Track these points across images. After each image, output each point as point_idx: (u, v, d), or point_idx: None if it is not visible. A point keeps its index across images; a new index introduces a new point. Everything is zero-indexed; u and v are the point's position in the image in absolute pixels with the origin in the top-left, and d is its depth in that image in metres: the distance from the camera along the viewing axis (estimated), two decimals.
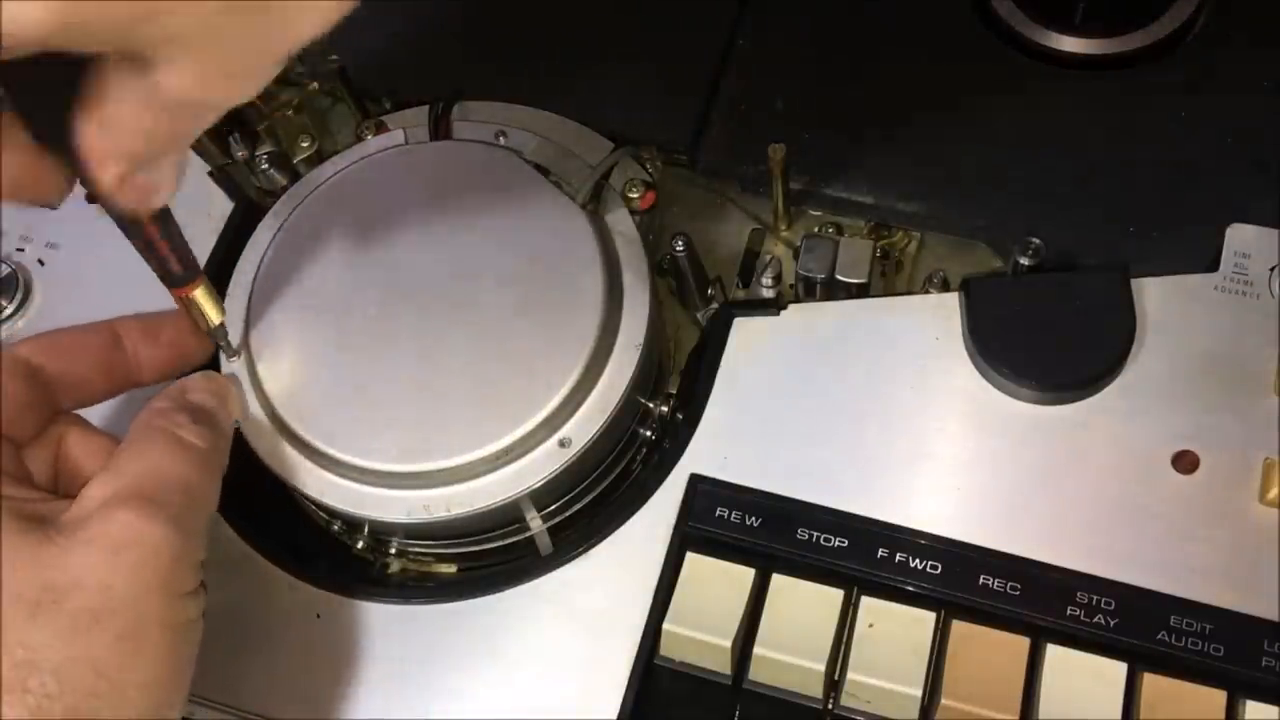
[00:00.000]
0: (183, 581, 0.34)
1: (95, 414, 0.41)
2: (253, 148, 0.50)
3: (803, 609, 0.39)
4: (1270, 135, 0.46)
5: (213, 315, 0.40)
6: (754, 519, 0.41)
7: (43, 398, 0.38)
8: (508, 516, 0.43)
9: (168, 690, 0.33)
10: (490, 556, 0.45)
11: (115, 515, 0.34)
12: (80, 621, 0.32)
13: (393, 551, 0.45)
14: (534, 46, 0.52)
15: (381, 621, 0.42)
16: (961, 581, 0.40)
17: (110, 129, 0.30)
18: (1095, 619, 0.39)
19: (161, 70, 0.29)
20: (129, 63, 0.29)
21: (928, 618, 0.39)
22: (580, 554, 0.42)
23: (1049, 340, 0.42)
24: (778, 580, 0.40)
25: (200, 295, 0.40)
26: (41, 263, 0.49)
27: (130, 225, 0.36)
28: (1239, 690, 0.38)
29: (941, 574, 0.40)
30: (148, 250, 0.37)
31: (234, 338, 0.44)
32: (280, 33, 0.30)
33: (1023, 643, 0.39)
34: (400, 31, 0.53)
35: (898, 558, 0.40)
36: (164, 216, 0.36)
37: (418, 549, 0.45)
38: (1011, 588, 0.39)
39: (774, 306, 0.45)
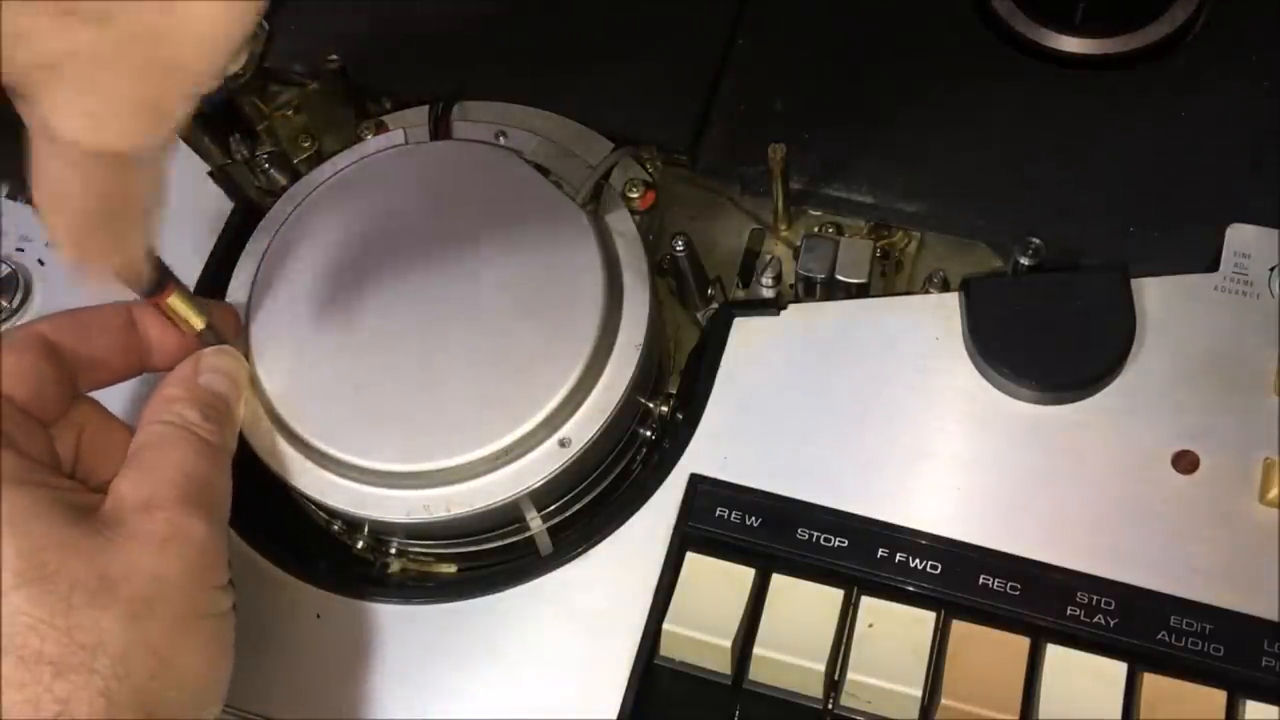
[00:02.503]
0: (218, 574, 0.36)
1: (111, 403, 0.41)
2: (253, 148, 0.50)
3: (803, 609, 0.39)
4: (1270, 135, 0.46)
5: (194, 321, 0.40)
6: (754, 519, 0.41)
7: (64, 376, 0.38)
8: (508, 516, 0.43)
9: (217, 674, 0.35)
10: (490, 556, 0.45)
11: (158, 513, 0.35)
12: (136, 609, 0.33)
13: (393, 551, 0.45)
14: (534, 46, 0.52)
15: (381, 621, 0.42)
16: (961, 581, 0.40)
17: (48, 188, 0.31)
18: (1095, 619, 0.39)
19: (46, 104, 0.29)
20: (26, 102, 0.29)
21: (928, 618, 0.39)
22: (580, 554, 0.42)
23: (1049, 340, 0.42)
24: (778, 580, 0.40)
25: (175, 302, 0.39)
26: (41, 263, 0.49)
27: None
28: (1239, 690, 0.38)
29: (941, 574, 0.40)
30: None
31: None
32: (166, 66, 0.29)
33: (1023, 643, 0.39)
34: (400, 31, 0.53)
35: (898, 558, 0.40)
36: None
37: (418, 549, 0.45)
38: (1011, 588, 0.39)
39: (774, 306, 0.45)
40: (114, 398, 0.41)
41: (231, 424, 0.40)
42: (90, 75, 0.29)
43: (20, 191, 0.50)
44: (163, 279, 0.39)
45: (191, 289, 0.46)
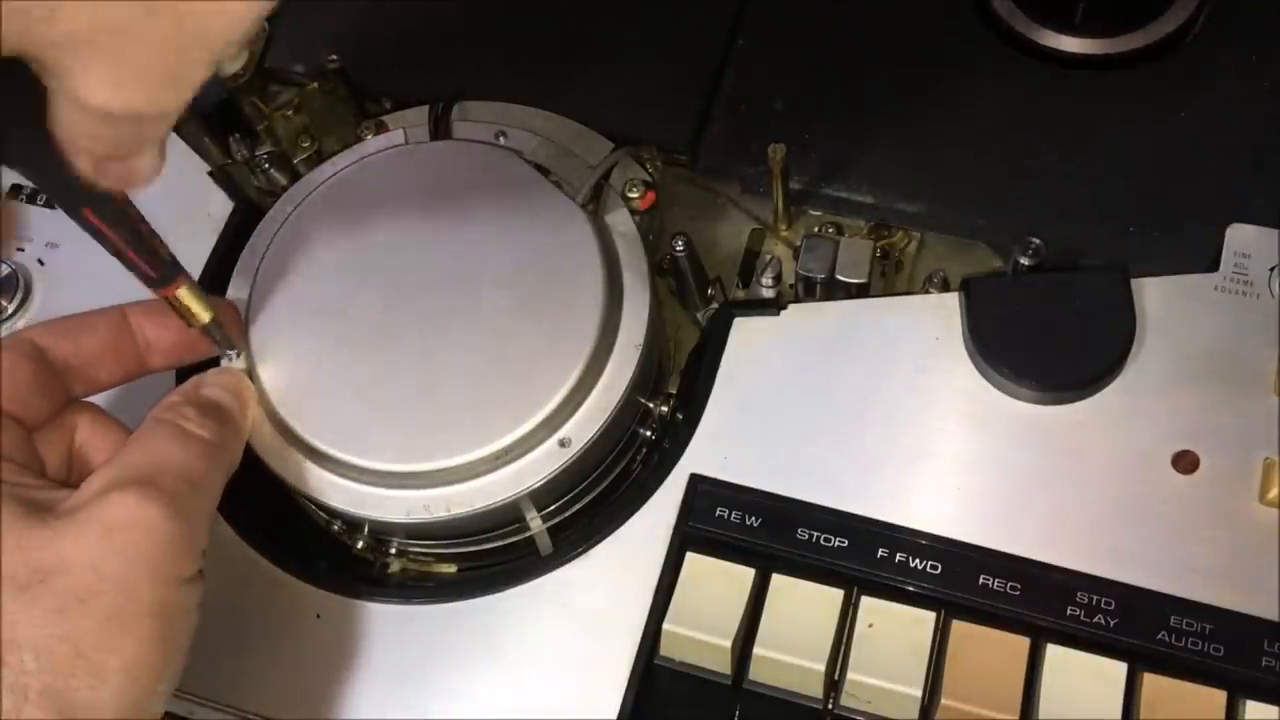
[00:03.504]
0: (177, 567, 0.34)
1: (112, 405, 0.41)
2: (253, 148, 0.50)
3: (803, 609, 0.39)
4: (1270, 135, 0.46)
5: (200, 314, 0.40)
6: (754, 519, 0.41)
7: (52, 381, 0.38)
8: (508, 516, 0.43)
9: (151, 676, 0.33)
10: (490, 556, 0.45)
11: (111, 498, 0.34)
12: (65, 601, 0.32)
13: (393, 551, 0.45)
14: (534, 46, 0.52)
15: (381, 621, 0.42)
16: (961, 581, 0.40)
17: (66, 135, 0.31)
18: (1095, 619, 0.39)
19: (76, 78, 0.29)
20: (51, 75, 0.29)
21: (928, 618, 0.39)
22: (580, 554, 0.42)
23: (1049, 340, 0.42)
24: (778, 580, 0.40)
25: (184, 294, 0.39)
26: (41, 263, 0.49)
27: (98, 233, 0.36)
28: (1239, 690, 0.38)
29: (941, 574, 0.40)
30: (119, 255, 0.37)
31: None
32: (193, 35, 0.29)
33: (1023, 643, 0.39)
34: (400, 31, 0.53)
35: (898, 558, 0.40)
36: (129, 220, 0.36)
37: (418, 549, 0.45)
38: (1011, 588, 0.39)
39: (774, 306, 0.45)
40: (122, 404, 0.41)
41: (231, 429, 0.39)
42: (120, 48, 0.29)
43: (20, 191, 0.50)
44: (172, 271, 0.38)
45: None
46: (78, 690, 0.32)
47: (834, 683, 0.39)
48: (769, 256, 0.48)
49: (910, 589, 0.40)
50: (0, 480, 0.34)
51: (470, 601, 0.41)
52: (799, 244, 0.46)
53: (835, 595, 0.40)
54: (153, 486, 0.34)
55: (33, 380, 0.37)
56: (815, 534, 0.41)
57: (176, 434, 0.37)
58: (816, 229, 0.48)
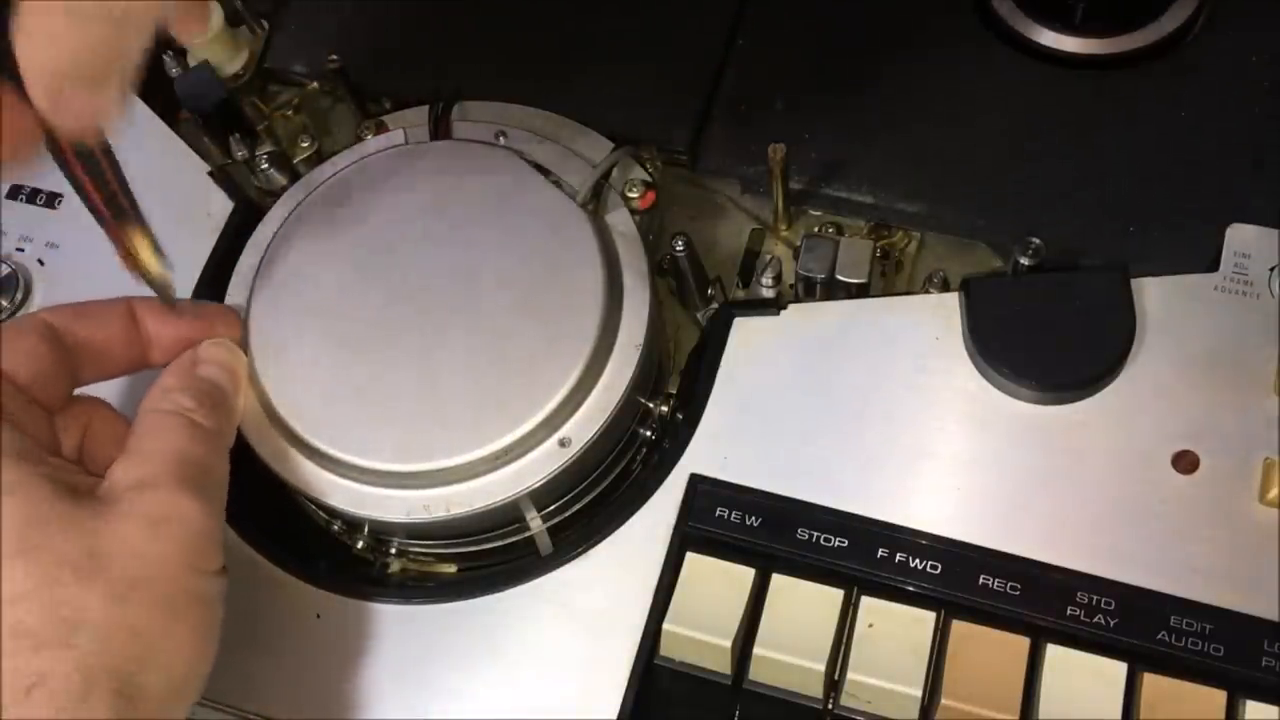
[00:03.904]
0: (210, 559, 0.36)
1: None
2: (253, 148, 0.50)
3: (803, 609, 0.39)
4: (1270, 135, 0.46)
5: (151, 264, 0.39)
6: (754, 519, 0.41)
7: (66, 363, 0.38)
8: (508, 516, 0.43)
9: (198, 661, 0.35)
10: (490, 556, 0.45)
11: (150, 493, 0.35)
12: (120, 588, 0.33)
13: (393, 551, 0.45)
14: (534, 46, 0.52)
15: (381, 621, 0.42)
16: (961, 581, 0.40)
17: (35, 41, 0.31)
18: (1095, 619, 0.39)
19: None
20: None
21: (928, 618, 0.39)
22: (580, 554, 0.42)
23: (1049, 340, 0.42)
24: (778, 580, 0.40)
25: (137, 239, 0.39)
26: (41, 263, 0.49)
27: (59, 156, 0.35)
28: (1239, 690, 0.38)
29: (941, 574, 0.40)
30: (78, 188, 0.36)
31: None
32: None
33: (1023, 643, 0.39)
34: (400, 31, 0.53)
35: (898, 558, 0.40)
36: (92, 155, 0.36)
37: (418, 549, 0.45)
38: (1011, 588, 0.39)
39: (774, 306, 0.45)
40: (115, 394, 0.42)
41: (228, 412, 0.40)
42: None
43: (20, 191, 0.50)
44: (131, 214, 0.38)
45: (191, 289, 0.47)
46: (139, 674, 0.33)
47: (834, 683, 0.39)
48: (769, 256, 0.48)
49: (910, 589, 0.40)
50: (40, 461, 0.35)
51: (470, 601, 0.41)
52: (799, 244, 0.46)
53: (835, 595, 0.40)
54: (186, 482, 0.36)
55: (52, 364, 0.38)
56: (815, 534, 0.41)
57: (185, 426, 0.37)
58: (816, 229, 0.48)
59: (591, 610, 0.41)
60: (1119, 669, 0.38)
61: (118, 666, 0.32)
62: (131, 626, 0.33)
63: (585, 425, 0.42)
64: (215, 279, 0.47)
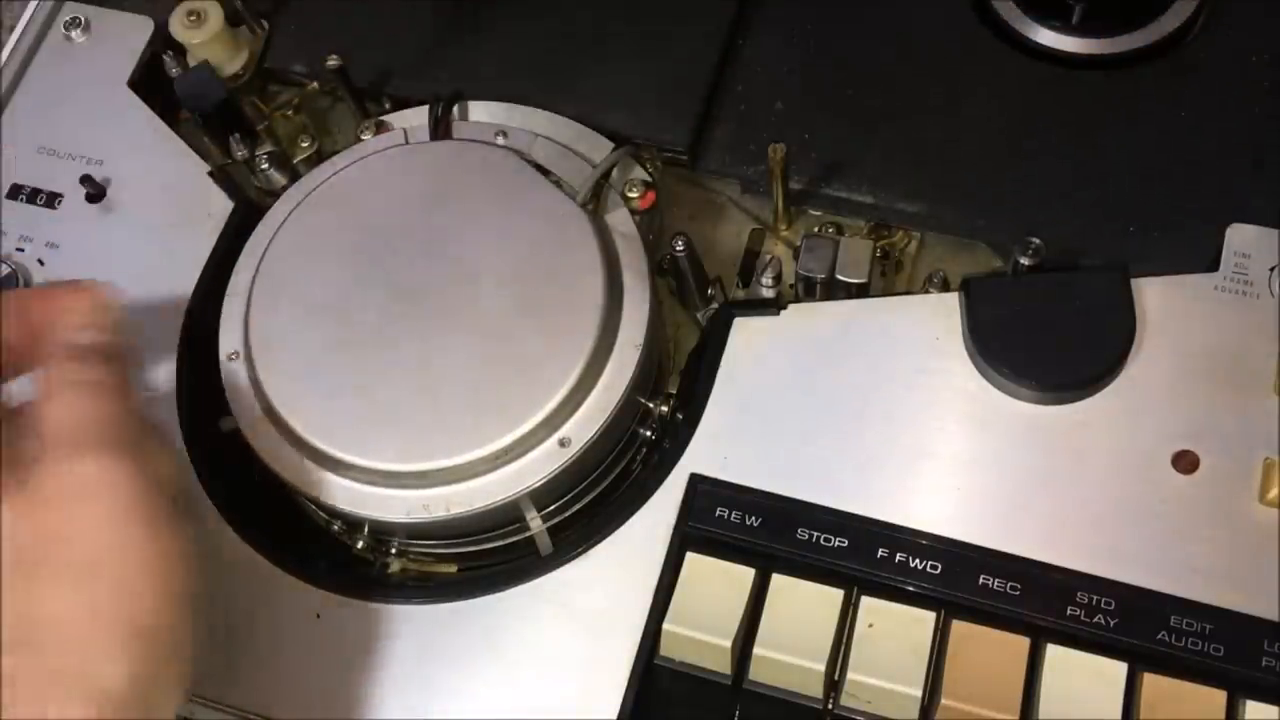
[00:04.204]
0: (157, 505, 0.34)
1: None
2: (253, 148, 0.50)
3: (803, 609, 0.39)
4: (1270, 135, 0.46)
5: None
6: (754, 519, 0.41)
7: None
8: (508, 516, 0.43)
9: (177, 630, 0.34)
10: (490, 556, 0.45)
11: (72, 467, 0.34)
12: (79, 573, 0.32)
13: (393, 551, 0.45)
14: (534, 46, 0.52)
15: (381, 621, 0.42)
16: (961, 581, 0.40)
17: None
18: (1095, 619, 0.39)
19: None
20: None
21: (928, 618, 0.39)
22: (580, 554, 0.42)
23: (1049, 340, 0.42)
24: (778, 580, 0.40)
25: None
26: (41, 263, 0.49)
27: None
28: (1239, 690, 0.38)
29: (941, 574, 0.40)
30: None
31: (234, 338, 0.44)
32: None
33: (1023, 643, 0.39)
34: (400, 31, 0.53)
35: (898, 558, 0.40)
36: None
37: (418, 549, 0.45)
38: (1011, 588, 0.39)
39: (774, 306, 0.45)
40: None
41: (115, 358, 0.37)
42: None
43: (20, 191, 0.50)
44: None
45: (191, 289, 0.47)
46: (109, 663, 0.32)
47: (834, 683, 0.39)
48: (769, 256, 0.48)
49: (910, 589, 0.40)
50: None
51: (470, 601, 0.41)
52: (799, 244, 0.46)
53: (835, 595, 0.40)
54: (101, 444, 0.34)
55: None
56: (815, 534, 0.41)
57: (80, 390, 0.36)
58: (816, 229, 0.48)
59: (591, 610, 0.41)
60: (1119, 669, 0.38)
61: (89, 656, 0.32)
62: (95, 610, 0.32)
63: (585, 425, 0.42)
64: (215, 279, 0.47)
